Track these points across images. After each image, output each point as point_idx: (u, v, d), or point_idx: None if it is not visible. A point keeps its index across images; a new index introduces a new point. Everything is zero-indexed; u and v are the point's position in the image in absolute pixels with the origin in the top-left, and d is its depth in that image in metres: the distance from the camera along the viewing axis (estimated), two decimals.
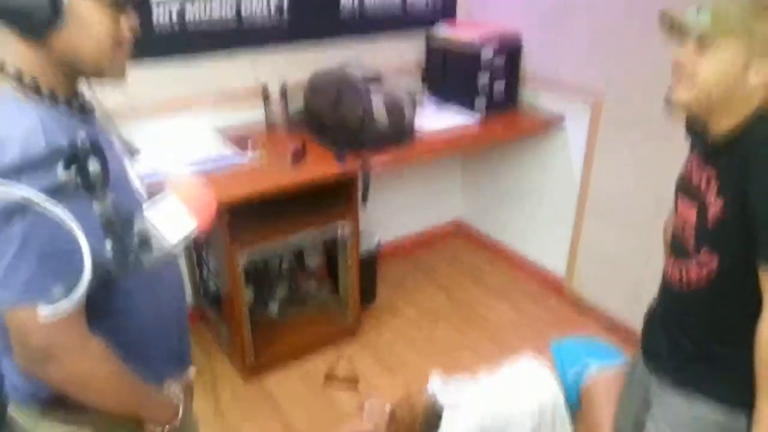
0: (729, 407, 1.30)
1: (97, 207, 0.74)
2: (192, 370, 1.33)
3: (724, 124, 1.20)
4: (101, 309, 1.04)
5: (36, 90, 0.96)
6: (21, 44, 0.94)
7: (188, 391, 1.30)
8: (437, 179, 3.66)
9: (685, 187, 1.34)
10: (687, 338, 1.36)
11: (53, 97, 0.98)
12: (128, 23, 1.04)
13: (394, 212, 3.52)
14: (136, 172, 1.17)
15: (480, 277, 3.44)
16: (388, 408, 2.36)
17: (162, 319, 1.20)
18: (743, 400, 1.24)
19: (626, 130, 2.65)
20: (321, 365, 2.78)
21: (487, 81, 2.93)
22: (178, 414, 1.22)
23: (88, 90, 1.09)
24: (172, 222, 0.78)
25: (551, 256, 3.28)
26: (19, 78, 0.95)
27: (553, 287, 3.29)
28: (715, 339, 1.32)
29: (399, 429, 2.26)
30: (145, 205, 0.77)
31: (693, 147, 1.35)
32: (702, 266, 1.27)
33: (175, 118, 2.62)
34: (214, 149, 2.48)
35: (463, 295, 3.29)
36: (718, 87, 1.15)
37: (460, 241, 3.81)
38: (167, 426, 1.20)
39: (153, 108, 2.51)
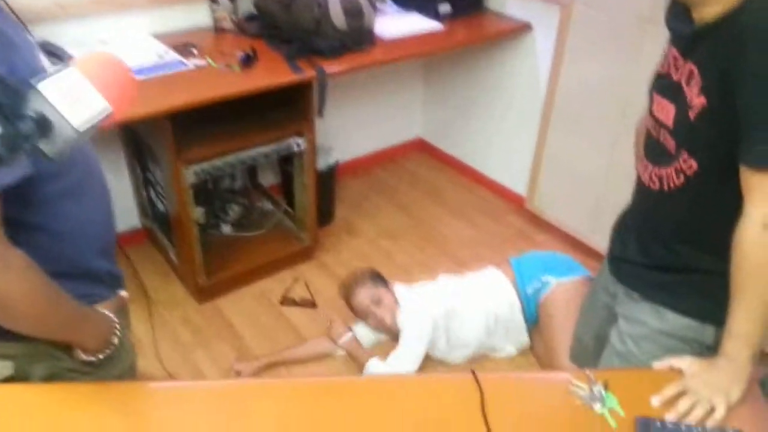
0: (699, 322, 1.26)
1: None
2: (125, 294, 1.22)
3: (711, 9, 1.09)
4: (19, 222, 0.93)
5: None
6: None
7: (123, 317, 1.20)
8: (398, 95, 3.51)
9: (662, 86, 1.24)
10: (659, 243, 1.30)
11: None
12: None
13: (353, 129, 3.38)
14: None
15: (440, 196, 3.38)
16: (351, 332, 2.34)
17: (87, 236, 1.09)
18: (713, 316, 1.19)
19: (595, 38, 2.53)
20: (277, 287, 2.71)
21: None
22: (112, 340, 1.11)
23: None
24: (76, 101, 0.63)
25: (512, 173, 3.22)
26: None
27: (513, 204, 3.25)
28: (689, 244, 1.25)
29: (350, 296, 2.36)
30: (40, 82, 0.62)
31: (673, 40, 1.23)
32: (680, 170, 1.19)
33: (108, 20, 2.37)
34: (154, 55, 2.26)
35: (423, 214, 3.23)
36: None
37: (421, 159, 3.71)
38: (100, 354, 1.10)
39: (83, 6, 2.27)
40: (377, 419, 1.11)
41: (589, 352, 1.60)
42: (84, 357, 1.08)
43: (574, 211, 2.89)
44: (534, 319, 2.34)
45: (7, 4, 1.01)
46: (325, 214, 3.01)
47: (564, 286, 2.26)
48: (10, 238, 0.90)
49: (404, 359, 2.16)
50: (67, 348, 1.07)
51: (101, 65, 0.73)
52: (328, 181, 2.97)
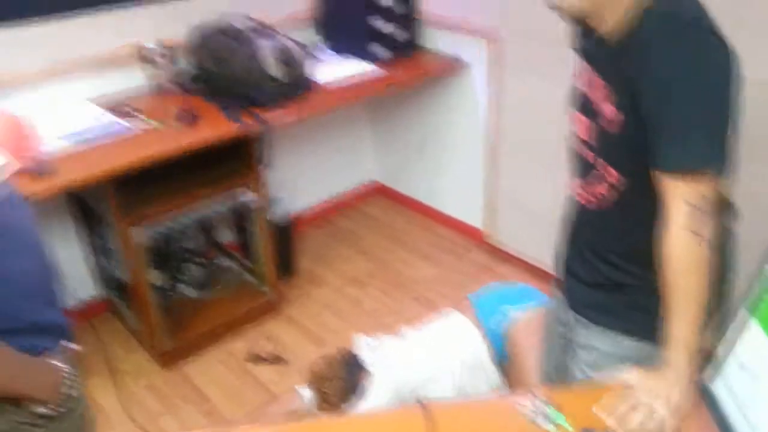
0: (648, 342, 1.24)
1: None
2: (73, 345, 1.21)
3: (610, 22, 1.12)
4: None
5: None
6: None
7: (73, 366, 1.19)
8: (347, 140, 3.54)
9: (580, 102, 1.27)
10: (597, 258, 1.30)
11: None
12: None
13: (306, 178, 3.38)
14: None
15: (401, 238, 3.37)
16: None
17: (21, 288, 1.10)
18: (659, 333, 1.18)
19: (526, 67, 2.60)
20: (243, 345, 2.65)
21: (382, 25, 2.81)
22: (61, 390, 1.11)
23: None
24: None
25: (469, 208, 3.23)
26: None
27: (473, 239, 3.25)
28: (625, 258, 1.26)
29: (322, 387, 2.19)
30: None
31: (583, 58, 1.26)
32: (602, 181, 1.20)
33: (46, 88, 2.37)
34: (91, 119, 2.26)
35: (386, 257, 3.21)
36: (594, 4, 1.10)
37: (378, 202, 3.71)
38: (50, 404, 1.09)
39: (20, 77, 2.27)
40: None
41: (555, 384, 1.58)
42: (36, 410, 1.07)
43: (532, 239, 2.90)
44: (503, 353, 2.30)
45: None
46: (287, 266, 2.98)
47: (525, 315, 2.24)
48: None
49: None
50: (17, 401, 1.06)
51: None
52: (286, 232, 2.95)
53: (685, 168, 1.04)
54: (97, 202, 2.35)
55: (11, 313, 1.07)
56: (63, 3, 2.33)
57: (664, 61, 1.03)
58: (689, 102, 1.02)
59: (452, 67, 2.93)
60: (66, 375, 1.13)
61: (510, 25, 2.59)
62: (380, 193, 3.76)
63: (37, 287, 1.15)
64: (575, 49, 1.29)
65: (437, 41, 2.98)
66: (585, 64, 1.25)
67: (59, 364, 1.13)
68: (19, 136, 0.77)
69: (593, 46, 1.19)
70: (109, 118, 2.27)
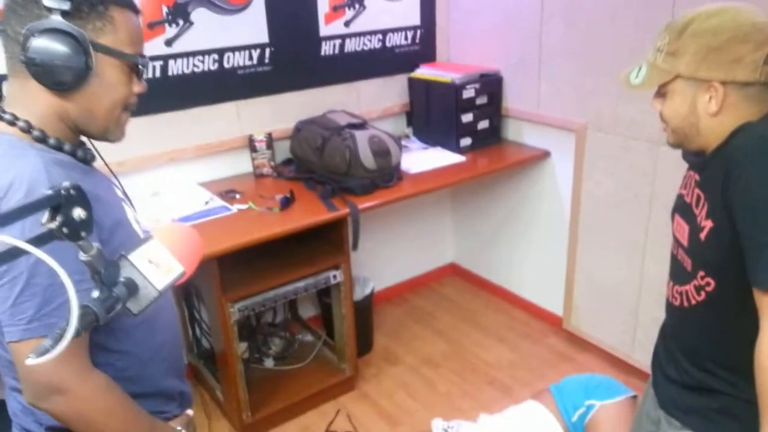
0: None
1: (82, 256, 0.73)
2: (191, 412, 1.32)
3: (705, 147, 1.23)
4: (102, 347, 1.07)
5: (42, 140, 1.03)
6: (45, 97, 1.02)
7: (190, 430, 1.29)
8: (428, 223, 3.65)
9: (681, 207, 1.33)
10: (688, 361, 1.32)
11: (58, 146, 1.04)
12: (139, 87, 1.11)
13: (387, 258, 3.49)
14: (134, 216, 1.19)
15: (477, 320, 3.39)
16: None
17: (160, 357, 1.21)
18: None
19: (610, 160, 2.66)
20: (319, 420, 2.70)
21: (471, 119, 2.97)
22: None
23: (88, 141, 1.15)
24: (158, 267, 0.75)
25: (547, 293, 3.25)
26: (28, 129, 1.01)
27: (550, 325, 3.25)
28: (719, 364, 1.27)
29: None
30: (130, 253, 0.75)
31: (689, 167, 1.34)
32: (700, 289, 1.24)
33: (160, 172, 2.60)
34: (201, 202, 2.45)
35: (461, 339, 3.24)
36: (683, 124, 1.22)
37: (455, 284, 3.77)
38: None
39: (137, 163, 2.50)
40: None
41: None
42: None
43: (611, 328, 2.89)
44: None
45: (105, 164, 1.23)
46: (363, 343, 3.04)
47: (608, 408, 2.22)
48: (93, 361, 1.04)
49: None
50: None
51: (176, 234, 0.86)
52: (365, 310, 3.03)
53: None
54: (199, 278, 2.51)
55: (149, 379, 1.18)
56: (188, 96, 2.59)
57: (748, 184, 1.09)
58: None
59: (537, 157, 3.02)
60: None
61: (593, 117, 2.68)
62: (457, 274, 3.82)
63: (171, 355, 1.25)
64: (683, 155, 1.37)
65: (521, 133, 3.11)
66: (689, 170, 1.32)
67: (182, 429, 1.23)
68: (193, 248, 0.90)
69: (694, 156, 1.28)
70: (217, 202, 2.45)
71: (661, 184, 2.46)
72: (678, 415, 1.35)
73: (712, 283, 1.21)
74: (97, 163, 1.16)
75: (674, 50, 1.18)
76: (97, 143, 1.16)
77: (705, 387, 1.29)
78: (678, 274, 1.33)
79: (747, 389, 1.15)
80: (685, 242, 1.28)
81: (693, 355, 1.31)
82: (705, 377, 1.29)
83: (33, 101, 1.03)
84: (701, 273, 1.23)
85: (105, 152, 1.20)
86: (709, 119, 1.19)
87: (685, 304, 1.29)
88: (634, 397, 2.26)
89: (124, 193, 1.22)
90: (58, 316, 0.95)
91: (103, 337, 1.07)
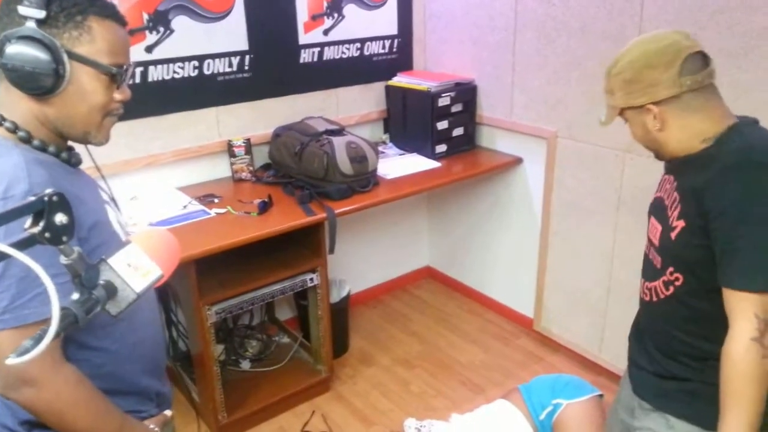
0: (704, 429, 1.33)
1: (64, 260, 0.77)
2: (169, 413, 1.33)
3: (674, 155, 1.35)
4: (77, 343, 1.09)
5: (27, 141, 1.07)
6: (24, 101, 1.06)
7: (166, 431, 1.30)
8: (404, 228, 3.71)
9: (657, 209, 1.43)
10: (660, 351, 1.42)
11: (42, 148, 1.09)
12: (121, 95, 1.13)
13: (363, 261, 3.55)
14: (118, 219, 1.22)
15: (450, 322, 3.46)
16: None
17: (137, 355, 1.22)
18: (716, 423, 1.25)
19: (580, 166, 2.75)
20: (294, 421, 2.74)
21: (446, 126, 3.05)
22: None
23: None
24: (136, 270, 0.80)
25: (518, 295, 3.33)
26: (14, 130, 1.07)
27: (521, 326, 3.33)
28: (688, 355, 1.36)
29: None
30: (110, 257, 0.80)
31: (666, 171, 1.45)
32: (669, 284, 1.35)
33: (138, 176, 2.64)
34: (180, 207, 2.49)
35: (435, 341, 3.30)
36: (645, 142, 1.39)
37: (430, 286, 3.84)
38: None
39: (116, 167, 2.53)
40: None
41: None
42: None
43: (580, 329, 2.97)
44: None
45: (97, 168, 1.27)
46: (339, 344, 3.09)
47: (574, 406, 2.30)
48: (66, 355, 1.06)
49: None
50: None
51: (154, 238, 0.91)
52: (341, 312, 3.08)
53: (756, 289, 1.15)
54: (176, 281, 2.54)
55: (125, 377, 1.20)
56: (167, 102, 2.63)
57: (731, 189, 1.19)
58: (762, 227, 1.16)
59: (509, 163, 3.10)
60: None
61: (563, 125, 2.77)
62: (432, 277, 3.89)
63: (150, 354, 1.27)
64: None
65: (495, 140, 3.19)
66: (665, 174, 1.43)
67: (156, 428, 1.24)
68: (171, 252, 0.94)
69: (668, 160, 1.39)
70: (196, 206, 2.49)
71: (627, 190, 2.54)
72: (649, 398, 1.45)
73: (681, 278, 1.32)
74: (85, 166, 1.20)
75: (610, 89, 1.36)
76: (91, 147, 1.19)
77: (676, 376, 1.39)
78: (648, 272, 1.44)
79: (715, 376, 1.23)
80: (656, 242, 1.39)
81: (663, 346, 1.41)
82: (675, 367, 1.38)
83: (15, 105, 1.08)
84: (670, 269, 1.33)
85: (82, 156, 1.23)
86: (661, 134, 1.32)
87: (655, 299, 1.40)
88: (601, 396, 2.34)
89: (112, 197, 1.26)
90: (30, 307, 0.97)
91: (82, 334, 1.09)
